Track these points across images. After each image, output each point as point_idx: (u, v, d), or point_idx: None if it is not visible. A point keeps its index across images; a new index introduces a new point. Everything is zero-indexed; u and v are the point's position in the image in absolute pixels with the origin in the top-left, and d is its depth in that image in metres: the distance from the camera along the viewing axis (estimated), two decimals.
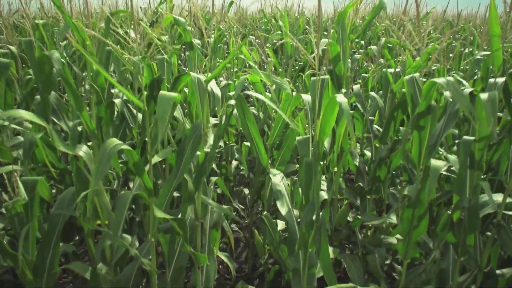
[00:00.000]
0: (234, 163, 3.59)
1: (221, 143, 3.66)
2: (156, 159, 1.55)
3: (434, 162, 1.29)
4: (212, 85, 2.12)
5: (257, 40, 4.20)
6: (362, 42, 4.68)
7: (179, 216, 1.62)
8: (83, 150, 1.46)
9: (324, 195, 2.19)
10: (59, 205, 1.78)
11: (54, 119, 2.60)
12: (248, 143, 3.65)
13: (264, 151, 2.41)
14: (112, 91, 2.33)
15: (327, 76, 1.55)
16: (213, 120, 1.83)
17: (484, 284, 1.71)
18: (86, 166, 1.67)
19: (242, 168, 3.85)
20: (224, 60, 2.31)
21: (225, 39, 4.59)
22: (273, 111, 2.49)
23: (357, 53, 3.74)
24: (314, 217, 1.53)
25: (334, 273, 1.57)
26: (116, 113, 1.85)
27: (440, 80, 1.36)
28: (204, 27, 1.86)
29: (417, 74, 1.66)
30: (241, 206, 3.64)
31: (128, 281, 1.93)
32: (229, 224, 2.89)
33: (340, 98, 1.30)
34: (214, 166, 3.31)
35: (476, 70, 2.56)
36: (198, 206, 1.64)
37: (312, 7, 8.72)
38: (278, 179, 1.98)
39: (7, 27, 3.12)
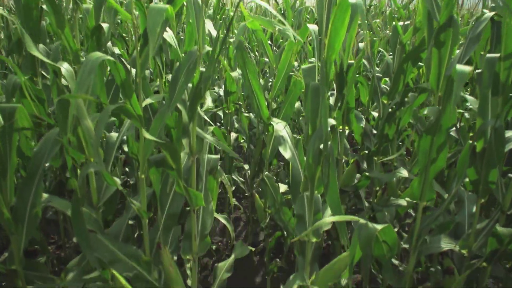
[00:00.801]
0: (234, 135, 3.44)
1: (221, 113, 3.52)
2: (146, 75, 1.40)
3: (459, 66, 1.14)
4: (209, 27, 1.99)
5: None
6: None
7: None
8: (64, 67, 1.31)
9: (332, 121, 2.04)
10: (43, 145, 1.63)
11: (43, 73, 2.47)
12: (248, 114, 3.51)
13: (265, 104, 2.26)
14: None
15: None
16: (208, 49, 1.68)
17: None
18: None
19: (242, 142, 3.71)
20: None
21: None
22: (275, 63, 2.34)
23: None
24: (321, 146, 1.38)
25: (342, 210, 1.42)
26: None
27: None
28: None
29: None
30: (241, 179, 3.49)
31: (117, 235, 1.78)
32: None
33: None
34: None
35: None
36: (193, 139, 1.49)
37: None
38: (280, 126, 1.83)
39: None
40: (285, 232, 2.57)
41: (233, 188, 3.51)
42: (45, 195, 1.92)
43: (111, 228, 1.79)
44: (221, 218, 2.33)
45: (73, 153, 1.38)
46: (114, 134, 1.71)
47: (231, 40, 2.58)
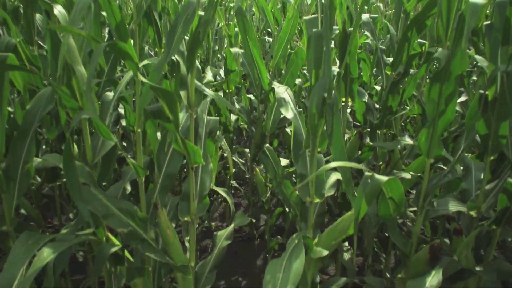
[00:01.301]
0: (233, 117, 3.38)
1: (221, 93, 3.47)
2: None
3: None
4: None
5: None
6: None
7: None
8: (57, 8, 1.26)
9: (335, 68, 1.98)
10: (36, 103, 1.58)
11: (40, 42, 2.41)
12: (250, 96, 3.46)
13: (266, 73, 2.21)
14: None
15: None
16: None
17: None
18: None
19: (241, 124, 3.65)
20: None
21: None
22: (276, 31, 2.29)
23: None
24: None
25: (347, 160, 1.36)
26: None
27: None
28: None
29: None
30: (241, 160, 3.43)
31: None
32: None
33: None
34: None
35: None
36: (191, 91, 1.43)
37: None
38: (281, 89, 1.77)
39: None
40: (286, 208, 2.51)
41: (234, 170, 3.45)
42: (37, 159, 1.86)
43: (107, 192, 1.73)
44: (221, 191, 2.28)
45: (66, 100, 1.32)
46: (109, 94, 1.66)
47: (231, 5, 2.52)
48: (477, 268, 1.49)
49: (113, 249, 1.30)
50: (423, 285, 1.20)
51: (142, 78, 1.19)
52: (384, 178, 1.27)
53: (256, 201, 3.30)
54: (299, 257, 1.10)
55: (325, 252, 1.46)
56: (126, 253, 1.56)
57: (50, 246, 1.09)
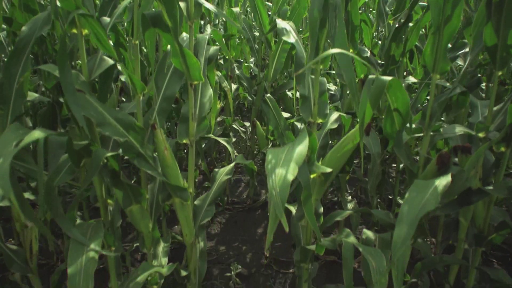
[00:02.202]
0: (234, 86, 3.35)
1: (222, 61, 3.44)
2: None
3: None
4: None
5: None
6: None
7: None
8: None
9: None
10: (33, 23, 1.55)
11: None
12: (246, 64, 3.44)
13: (267, 19, 2.18)
14: None
15: None
16: None
17: None
18: None
19: (241, 93, 3.62)
20: None
21: None
22: None
23: None
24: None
25: (353, 73, 1.31)
26: None
27: None
28: None
29: None
30: (242, 128, 3.39)
31: None
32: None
33: None
34: None
35: None
36: (191, 1, 1.40)
37: None
38: (283, 22, 1.74)
39: None
40: None
41: (234, 140, 3.41)
42: (33, 94, 1.83)
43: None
44: (222, 141, 2.23)
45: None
46: (106, 18, 1.62)
47: None
48: (487, 188, 1.44)
49: (108, 154, 1.25)
50: (432, 184, 1.15)
51: None
52: (387, 77, 1.23)
53: (257, 172, 3.25)
54: (303, 142, 1.05)
55: (329, 170, 1.41)
56: (122, 176, 1.51)
57: (41, 130, 1.05)
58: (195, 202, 1.72)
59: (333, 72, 3.14)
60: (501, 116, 1.48)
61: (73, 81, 1.26)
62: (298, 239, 1.77)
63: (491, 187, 1.43)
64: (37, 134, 1.02)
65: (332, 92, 2.74)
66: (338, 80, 2.71)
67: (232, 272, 2.44)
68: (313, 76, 1.56)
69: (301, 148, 1.03)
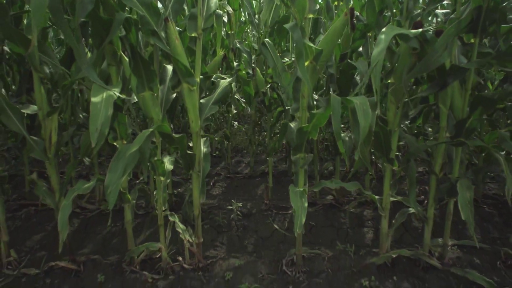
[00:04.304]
0: (236, 63, 3.61)
1: (223, 33, 3.71)
2: None
3: None
4: None
5: None
6: None
7: None
8: None
9: None
10: None
11: None
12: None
13: None
14: None
15: None
16: None
17: None
18: None
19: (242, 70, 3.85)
20: None
21: None
22: None
23: None
24: None
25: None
26: None
27: None
28: None
29: None
30: (243, 99, 3.59)
31: None
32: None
33: None
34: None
35: None
36: None
37: None
38: None
39: None
40: (285, 106, 2.64)
41: (235, 111, 3.60)
42: None
43: None
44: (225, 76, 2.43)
45: None
46: None
47: None
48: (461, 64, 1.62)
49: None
50: None
51: None
52: None
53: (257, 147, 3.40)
54: None
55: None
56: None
57: None
58: (201, 101, 1.90)
59: None
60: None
61: None
62: (293, 139, 1.92)
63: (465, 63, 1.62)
64: None
65: None
66: None
67: (233, 206, 2.53)
68: None
69: None
